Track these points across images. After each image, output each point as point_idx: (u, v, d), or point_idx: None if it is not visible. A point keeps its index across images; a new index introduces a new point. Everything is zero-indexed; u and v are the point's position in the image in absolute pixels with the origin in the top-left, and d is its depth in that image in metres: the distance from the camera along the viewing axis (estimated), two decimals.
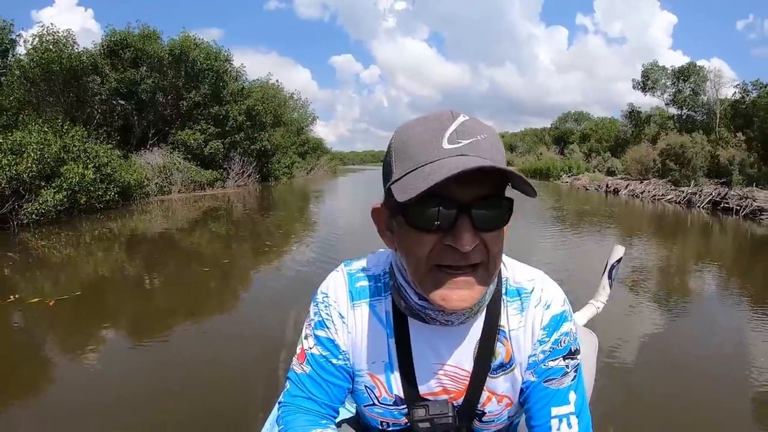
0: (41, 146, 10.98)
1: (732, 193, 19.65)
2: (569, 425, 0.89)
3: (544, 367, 0.91)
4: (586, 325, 1.89)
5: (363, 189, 30.34)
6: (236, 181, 23.60)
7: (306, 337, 0.98)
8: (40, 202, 10.69)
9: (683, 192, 22.85)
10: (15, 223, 10.20)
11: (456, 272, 0.77)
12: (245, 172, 24.37)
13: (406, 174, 0.74)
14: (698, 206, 20.38)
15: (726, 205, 18.81)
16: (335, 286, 0.98)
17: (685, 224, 16.21)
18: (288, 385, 0.97)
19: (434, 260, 0.77)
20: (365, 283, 0.97)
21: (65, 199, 11.48)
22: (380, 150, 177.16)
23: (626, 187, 29.02)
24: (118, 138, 19.02)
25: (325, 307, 0.96)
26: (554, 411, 0.90)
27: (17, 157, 10.30)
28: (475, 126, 0.76)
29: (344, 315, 0.96)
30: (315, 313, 0.97)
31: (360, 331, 0.96)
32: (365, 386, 0.98)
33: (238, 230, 11.80)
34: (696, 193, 21.67)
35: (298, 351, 0.98)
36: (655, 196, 24.97)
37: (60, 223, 11.01)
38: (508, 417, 0.99)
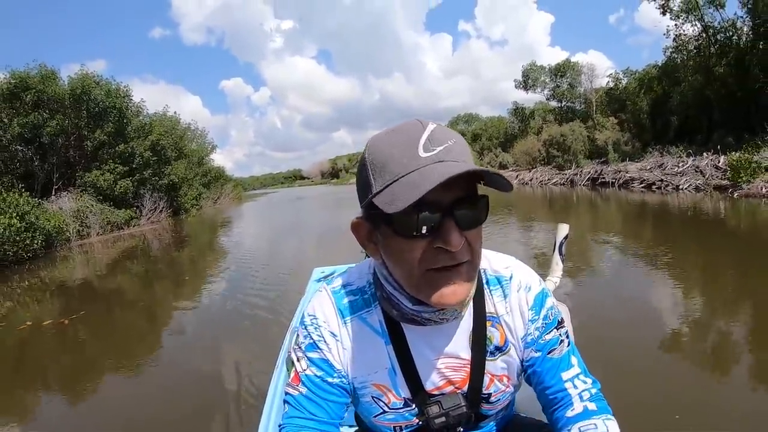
0: None
1: (608, 169, 22.80)
2: (583, 382, 0.98)
3: (542, 341, 0.98)
4: None
5: (267, 211, 31.64)
6: (149, 217, 23.32)
7: (298, 360, 0.98)
8: None
9: (566, 174, 25.94)
10: None
11: (448, 272, 0.80)
12: (157, 208, 24.12)
13: (387, 186, 0.76)
14: (580, 184, 23.41)
15: (603, 179, 21.92)
16: (322, 307, 0.98)
17: (571, 200, 18.84)
18: (286, 407, 0.97)
19: (426, 264, 0.79)
20: (351, 297, 0.98)
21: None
22: (278, 172, 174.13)
23: (516, 177, 32.06)
24: (22, 186, 18.18)
25: (315, 328, 0.97)
26: (565, 376, 0.97)
27: None
28: (444, 132, 0.80)
29: (336, 333, 0.96)
30: (305, 336, 0.98)
31: (356, 345, 0.97)
32: (372, 397, 0.99)
33: (169, 269, 12.02)
34: (577, 174, 24.78)
35: (292, 374, 0.98)
36: (542, 181, 28.10)
37: None
38: (510, 393, 1.04)
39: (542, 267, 6.26)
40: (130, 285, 9.85)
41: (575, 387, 0.96)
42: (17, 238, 12.35)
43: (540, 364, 0.98)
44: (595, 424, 0.92)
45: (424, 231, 0.76)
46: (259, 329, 5.20)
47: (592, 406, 0.95)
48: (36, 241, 13.29)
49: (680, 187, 16.41)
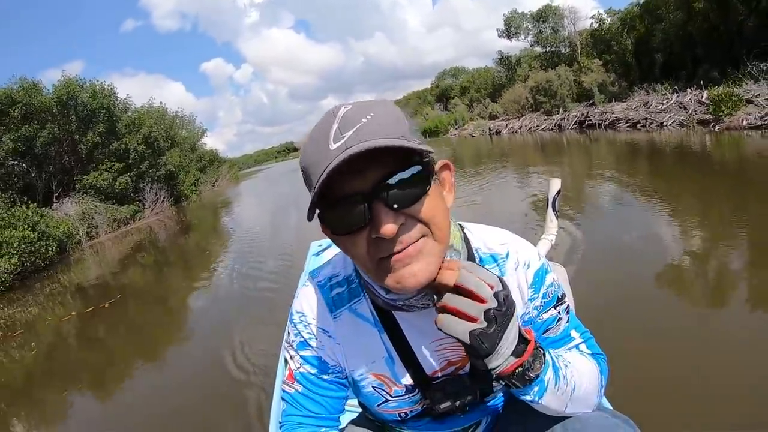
0: None
1: (594, 111, 23.08)
2: (580, 352, 0.96)
3: (540, 320, 0.95)
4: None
5: (264, 187, 32.87)
6: (152, 209, 23.73)
7: (291, 358, 0.96)
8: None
9: (554, 119, 26.26)
10: None
11: (400, 255, 0.75)
12: (159, 198, 24.53)
13: (314, 193, 0.71)
14: (568, 128, 23.78)
15: (590, 121, 22.28)
16: (309, 303, 0.96)
17: (559, 145, 19.31)
18: (284, 405, 0.96)
19: (375, 255, 0.75)
20: (339, 289, 0.95)
21: (19, 264, 11.91)
22: (270, 147, 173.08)
23: (506, 126, 32.40)
24: (26, 199, 18.28)
25: (305, 326, 0.95)
26: (564, 350, 0.94)
27: None
28: (359, 111, 0.73)
29: (328, 329, 0.95)
30: (295, 334, 0.96)
31: (350, 339, 0.95)
32: (373, 387, 0.97)
33: (182, 254, 12.84)
34: (564, 118, 25.11)
35: (286, 372, 0.97)
36: (530, 128, 28.49)
37: (15, 289, 11.19)
38: None
39: (540, 213, 6.85)
40: (150, 271, 10.86)
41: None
42: (32, 249, 12.79)
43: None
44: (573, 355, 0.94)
45: (358, 225, 0.73)
46: (266, 306, 5.56)
47: (583, 347, 0.98)
48: (50, 249, 13.73)
49: (664, 123, 16.80)
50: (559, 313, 0.96)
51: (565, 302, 0.97)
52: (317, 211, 0.75)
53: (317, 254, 3.21)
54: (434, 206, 0.76)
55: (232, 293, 6.66)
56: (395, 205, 0.72)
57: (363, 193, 0.71)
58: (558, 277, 1.00)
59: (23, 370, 5.70)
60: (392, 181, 0.71)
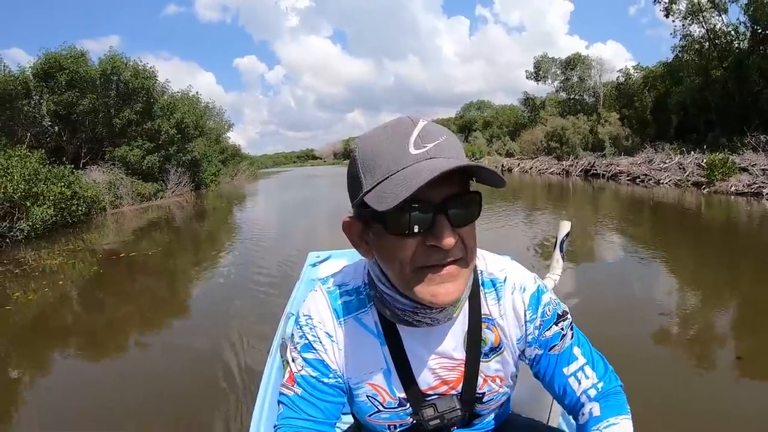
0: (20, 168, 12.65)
1: (601, 161, 24.24)
2: (586, 376, 0.95)
3: (543, 338, 0.96)
4: None
5: (282, 187, 33.98)
6: (174, 191, 24.87)
7: (293, 360, 0.97)
8: (35, 218, 12.23)
9: (562, 165, 27.51)
10: (8, 240, 11.62)
11: (441, 270, 0.79)
12: (181, 182, 25.66)
13: (378, 184, 0.76)
14: (574, 175, 24.93)
15: (595, 171, 23.46)
16: (317, 307, 0.98)
17: (566, 188, 20.50)
18: (281, 407, 0.96)
19: (418, 262, 0.78)
20: (347, 298, 0.98)
21: (55, 215, 13.16)
22: (291, 151, 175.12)
23: (518, 165, 33.64)
24: (53, 160, 18.51)
25: (310, 329, 0.96)
26: (566, 371, 0.96)
27: (3, 178, 11.97)
28: (435, 129, 0.79)
29: (332, 334, 0.96)
30: (300, 336, 0.97)
31: (352, 346, 0.97)
32: (367, 396, 0.99)
33: (206, 228, 14.47)
34: (572, 165, 26.31)
35: (287, 375, 0.98)
36: (540, 170, 29.73)
37: (44, 238, 12.26)
38: (503, 393, 1.03)
39: (543, 249, 7.45)
40: (182, 235, 13.02)
41: (578, 382, 0.95)
42: (65, 205, 14.00)
43: (543, 361, 0.98)
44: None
45: (416, 229, 0.76)
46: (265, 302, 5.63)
47: (596, 410, 0.93)
48: (80, 209, 14.99)
49: (661, 181, 17.82)
50: (562, 329, 0.97)
51: (567, 318, 0.99)
52: (368, 209, 0.77)
53: (314, 265, 3.24)
54: (474, 233, 0.83)
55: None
56: (455, 222, 0.77)
57: (434, 203, 0.75)
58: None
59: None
60: (459, 200, 0.77)
